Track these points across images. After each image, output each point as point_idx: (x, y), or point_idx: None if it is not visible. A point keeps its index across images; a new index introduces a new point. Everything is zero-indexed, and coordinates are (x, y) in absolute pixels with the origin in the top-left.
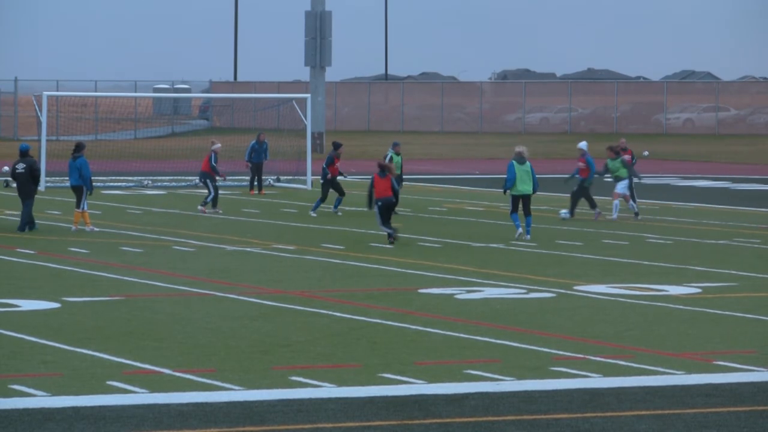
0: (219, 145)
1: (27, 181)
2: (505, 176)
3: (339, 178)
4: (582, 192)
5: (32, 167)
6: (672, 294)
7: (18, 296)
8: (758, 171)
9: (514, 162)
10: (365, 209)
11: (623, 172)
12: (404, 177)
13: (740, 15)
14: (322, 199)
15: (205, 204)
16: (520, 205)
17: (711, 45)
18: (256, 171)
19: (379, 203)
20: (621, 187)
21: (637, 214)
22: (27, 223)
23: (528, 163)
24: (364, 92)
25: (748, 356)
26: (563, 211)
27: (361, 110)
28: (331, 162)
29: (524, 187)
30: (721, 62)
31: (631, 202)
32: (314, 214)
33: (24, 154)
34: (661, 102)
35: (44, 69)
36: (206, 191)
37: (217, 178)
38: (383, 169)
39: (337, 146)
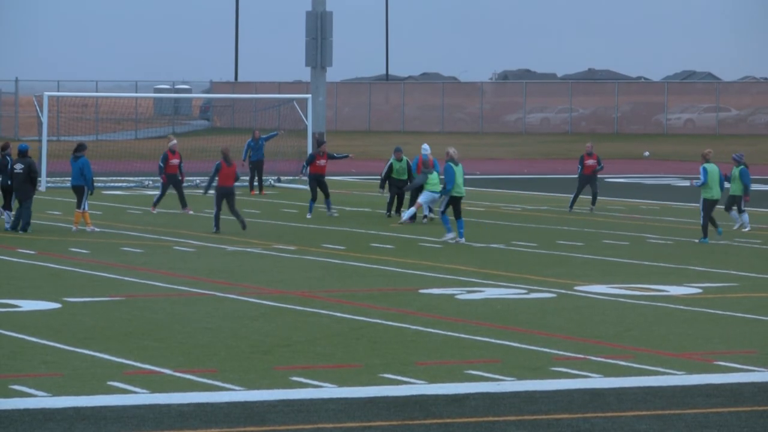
0: (174, 141)
1: (25, 182)
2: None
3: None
4: (415, 193)
5: (30, 168)
6: (672, 294)
7: (18, 296)
8: (759, 171)
9: (450, 164)
10: (366, 209)
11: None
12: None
13: (741, 15)
14: (313, 199)
15: (185, 206)
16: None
17: (712, 45)
18: (256, 170)
19: (220, 190)
20: (424, 197)
21: (418, 217)
22: (27, 223)
23: (460, 165)
24: (364, 92)
25: (748, 356)
26: (406, 213)
27: (361, 110)
28: (311, 160)
29: (460, 189)
30: (721, 62)
31: (410, 210)
32: (309, 216)
33: (23, 154)
34: (662, 102)
35: (45, 69)
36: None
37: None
38: (227, 158)
39: (319, 143)
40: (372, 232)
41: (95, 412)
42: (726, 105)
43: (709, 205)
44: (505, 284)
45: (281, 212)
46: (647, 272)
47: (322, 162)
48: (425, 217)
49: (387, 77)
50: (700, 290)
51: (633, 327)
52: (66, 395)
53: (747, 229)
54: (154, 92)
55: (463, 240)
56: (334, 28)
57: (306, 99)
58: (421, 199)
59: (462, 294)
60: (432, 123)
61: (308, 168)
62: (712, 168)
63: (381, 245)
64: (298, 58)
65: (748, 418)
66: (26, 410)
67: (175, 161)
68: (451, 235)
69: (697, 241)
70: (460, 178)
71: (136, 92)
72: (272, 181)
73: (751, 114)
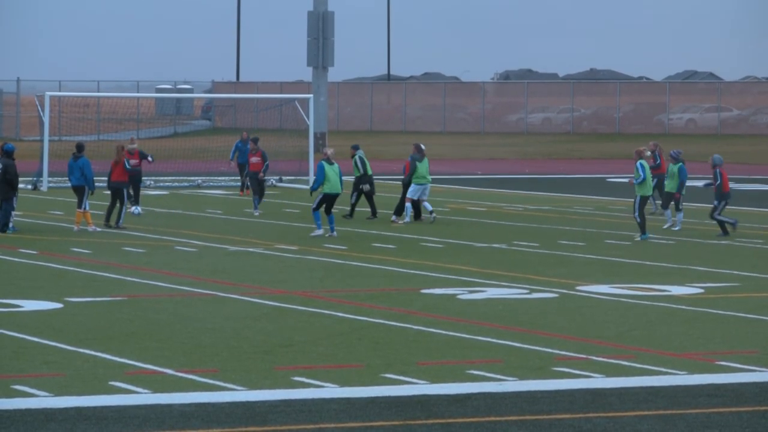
0: (135, 146)
1: (2, 182)
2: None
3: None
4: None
5: (7, 169)
6: (674, 294)
7: (20, 296)
8: (760, 171)
9: (323, 163)
10: (367, 210)
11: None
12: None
13: (742, 15)
14: (256, 195)
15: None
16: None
17: (713, 45)
18: (244, 171)
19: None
20: (412, 191)
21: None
22: (4, 224)
23: (336, 164)
24: (366, 92)
25: (750, 356)
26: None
27: (363, 110)
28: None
29: (334, 187)
30: (723, 62)
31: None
32: (257, 213)
33: (7, 154)
34: (664, 102)
35: (47, 69)
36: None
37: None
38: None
39: (254, 141)
40: (374, 232)
41: (97, 412)
42: (727, 105)
43: (645, 201)
44: (506, 284)
45: (283, 212)
46: (649, 272)
47: (253, 160)
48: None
49: (389, 77)
50: (701, 290)
51: (635, 327)
52: (68, 395)
53: (677, 228)
54: (156, 92)
55: (335, 234)
56: (336, 28)
57: (308, 99)
58: (410, 193)
59: (464, 294)
60: (434, 123)
61: (248, 167)
62: (648, 166)
63: (383, 245)
64: (300, 58)
65: (750, 418)
66: (28, 410)
67: (134, 161)
68: (320, 232)
69: (638, 238)
70: (334, 177)
71: (138, 92)
72: (273, 181)
73: (752, 114)
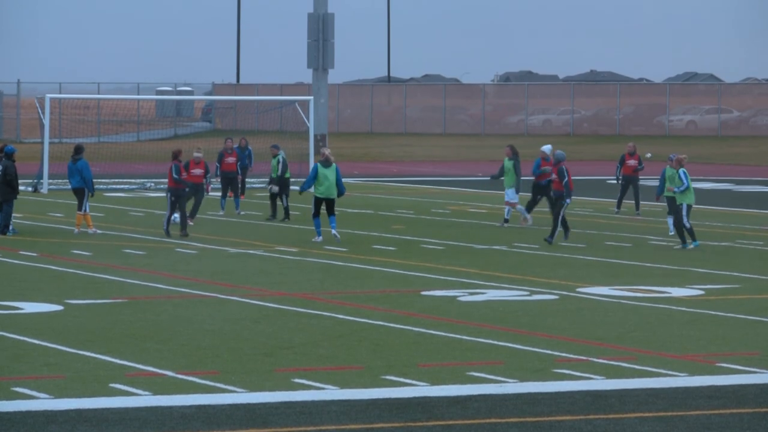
0: (200, 154)
1: (2, 184)
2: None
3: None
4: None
5: (6, 170)
6: (674, 296)
7: (21, 299)
8: (761, 173)
9: (318, 165)
10: (368, 211)
11: (511, 178)
12: (405, 178)
13: (743, 17)
14: (223, 196)
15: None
16: (323, 209)
17: (714, 47)
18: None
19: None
20: (510, 195)
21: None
22: (5, 225)
23: (334, 165)
24: (366, 94)
25: (751, 358)
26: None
27: (363, 112)
28: (220, 158)
29: (328, 192)
30: (723, 64)
31: (519, 206)
32: (222, 212)
33: (8, 156)
34: (664, 104)
35: (47, 71)
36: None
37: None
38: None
39: (231, 140)
40: (374, 233)
41: (97, 414)
42: (728, 106)
43: (690, 209)
44: (507, 286)
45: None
46: (649, 274)
47: (230, 160)
48: (506, 221)
49: (389, 79)
50: (702, 292)
51: (635, 329)
52: (68, 397)
53: (672, 233)
54: (156, 94)
55: (335, 232)
56: (336, 29)
57: (308, 101)
58: (512, 197)
59: (464, 296)
60: (434, 125)
61: (220, 167)
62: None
63: (383, 247)
64: (300, 60)
65: (750, 419)
66: (28, 412)
67: (198, 171)
68: (319, 239)
69: (691, 246)
70: (330, 181)
71: (138, 94)
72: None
73: (753, 115)
